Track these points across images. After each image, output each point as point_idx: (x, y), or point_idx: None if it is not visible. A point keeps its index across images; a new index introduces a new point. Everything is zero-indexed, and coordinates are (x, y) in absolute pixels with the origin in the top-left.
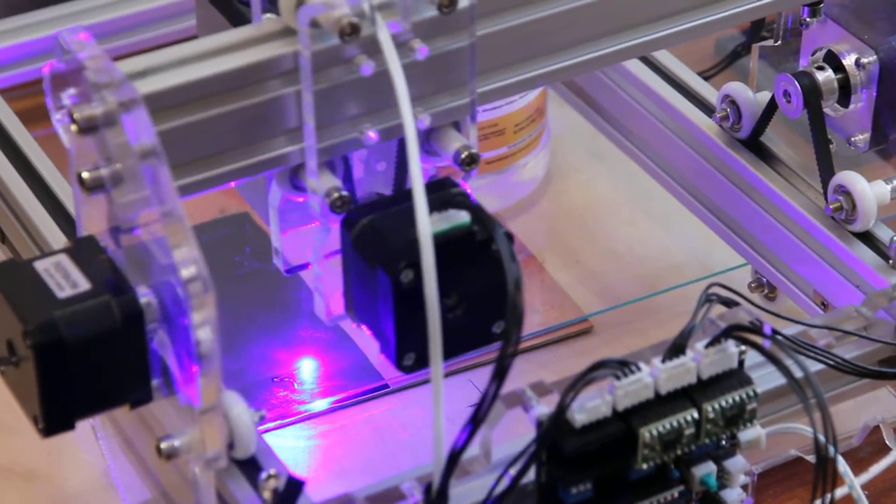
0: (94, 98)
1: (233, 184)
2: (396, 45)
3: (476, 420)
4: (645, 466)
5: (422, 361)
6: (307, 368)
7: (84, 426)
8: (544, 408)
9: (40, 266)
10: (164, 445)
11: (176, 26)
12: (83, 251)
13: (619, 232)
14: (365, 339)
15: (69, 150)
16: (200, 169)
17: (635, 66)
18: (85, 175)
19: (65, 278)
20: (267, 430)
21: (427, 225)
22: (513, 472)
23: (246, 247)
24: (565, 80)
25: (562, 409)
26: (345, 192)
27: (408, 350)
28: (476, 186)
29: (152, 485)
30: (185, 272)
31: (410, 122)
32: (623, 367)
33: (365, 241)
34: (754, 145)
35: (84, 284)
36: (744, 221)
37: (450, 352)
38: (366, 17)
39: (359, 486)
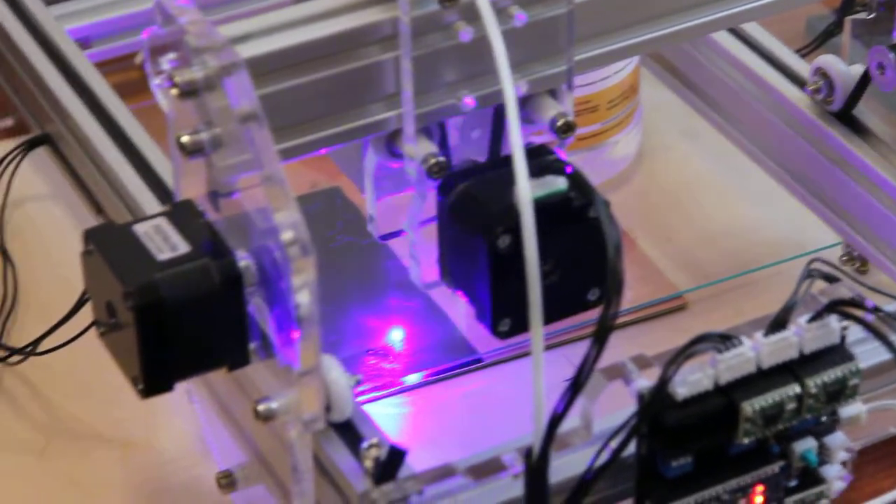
0: (195, 62)
1: (325, 151)
2: (495, 12)
3: (576, 385)
4: (746, 441)
5: (517, 328)
6: (400, 340)
7: (179, 392)
8: (646, 381)
9: (139, 229)
10: (261, 408)
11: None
12: (182, 214)
13: (711, 209)
14: (458, 311)
15: (168, 115)
16: (299, 134)
17: (726, 41)
18: (185, 139)
19: (164, 241)
20: (360, 402)
21: (527, 188)
22: (613, 444)
23: (338, 221)
24: (663, 49)
25: (664, 382)
26: (441, 158)
27: (503, 316)
28: (570, 160)
29: (248, 448)
30: (286, 235)
31: (510, 88)
32: (725, 340)
33: (461, 207)
34: (847, 118)
35: (183, 247)
36: (836, 195)
37: (545, 318)
38: None
39: (454, 459)
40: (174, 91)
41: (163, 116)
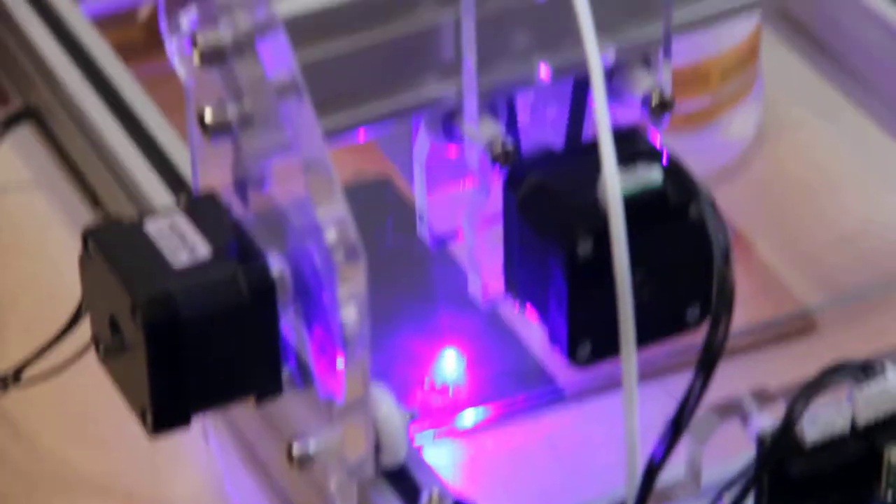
0: (222, 20)
1: (369, 135)
2: None
3: (679, 425)
4: (890, 496)
5: (599, 352)
6: (461, 366)
7: (193, 432)
8: (767, 419)
9: (152, 227)
10: (296, 449)
11: None
12: (203, 210)
13: (847, 206)
14: (531, 330)
15: (187, 85)
16: (342, 109)
17: (878, 3)
18: (207, 114)
19: (181, 242)
20: (416, 443)
21: (616, 182)
22: (727, 499)
23: (387, 218)
24: (785, 12)
25: (790, 422)
26: (510, 143)
27: (583, 338)
28: (670, 145)
29: (277, 499)
30: (330, 235)
31: (595, 56)
32: (865, 370)
33: (533, 204)
34: None
35: (204, 250)
36: None
37: (637, 341)
38: None
39: None
40: (196, 56)
41: (176, 86)
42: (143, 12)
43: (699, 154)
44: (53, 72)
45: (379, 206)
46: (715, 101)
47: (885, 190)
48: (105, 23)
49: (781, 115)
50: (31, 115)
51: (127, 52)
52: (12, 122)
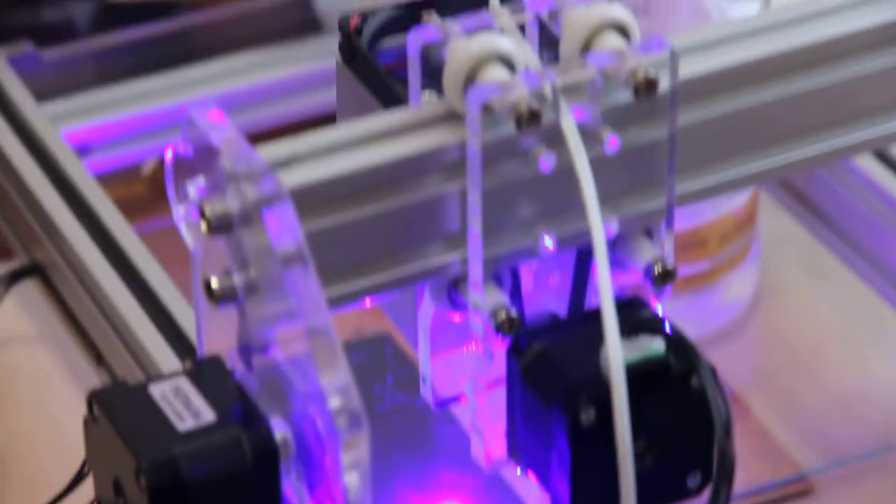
0: (230, 190)
1: (375, 301)
2: (583, 136)
3: None
4: None
5: None
6: None
7: None
8: None
9: (156, 391)
10: None
11: (304, 101)
12: (207, 374)
13: (844, 369)
14: (533, 492)
15: (194, 253)
16: (346, 278)
17: (869, 165)
18: (214, 283)
19: (185, 406)
20: None
21: (619, 354)
22: None
23: (387, 375)
24: (782, 179)
25: None
26: (514, 312)
27: None
28: (670, 308)
29: None
30: (333, 402)
31: (599, 230)
32: None
33: (537, 372)
34: None
35: (208, 414)
36: None
37: None
38: (547, 102)
39: None
40: (203, 224)
41: (177, 241)
42: (147, 167)
43: (697, 316)
44: (58, 228)
45: (379, 363)
46: (713, 265)
47: (879, 353)
48: (109, 178)
49: (778, 277)
50: (35, 270)
51: (131, 207)
52: (17, 277)
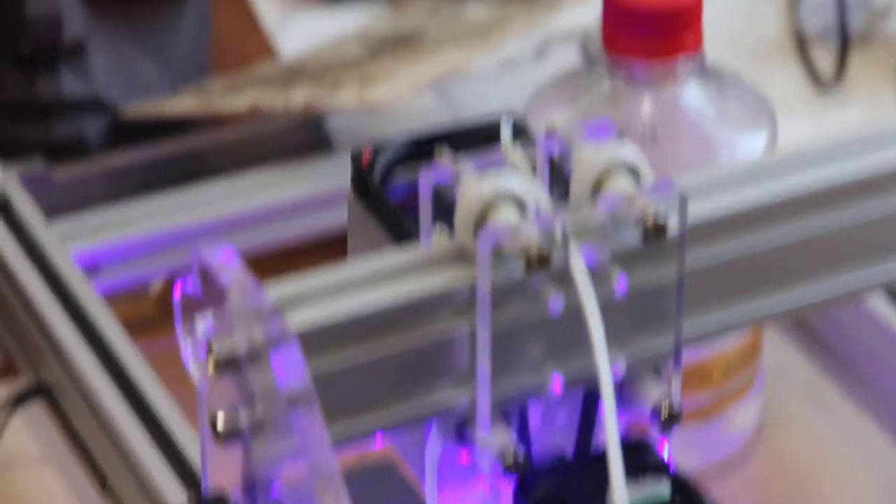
0: (237, 330)
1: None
2: (592, 277)
3: None
4: None
5: None
6: None
7: None
8: None
9: None
10: None
11: (314, 221)
12: None
13: (846, 501)
14: None
15: (200, 389)
16: (354, 415)
17: (876, 304)
18: (220, 421)
19: None
20: None
21: (624, 497)
22: None
23: (390, 502)
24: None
25: None
26: (521, 452)
27: None
28: (673, 440)
29: None
30: None
31: (606, 372)
32: None
33: None
34: None
35: None
36: None
37: None
38: (557, 243)
39: None
40: (210, 363)
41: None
42: (156, 287)
43: (702, 447)
44: (64, 349)
45: (383, 491)
46: (717, 397)
47: (880, 487)
48: (118, 296)
49: (781, 408)
50: (42, 391)
51: (140, 325)
52: (23, 398)
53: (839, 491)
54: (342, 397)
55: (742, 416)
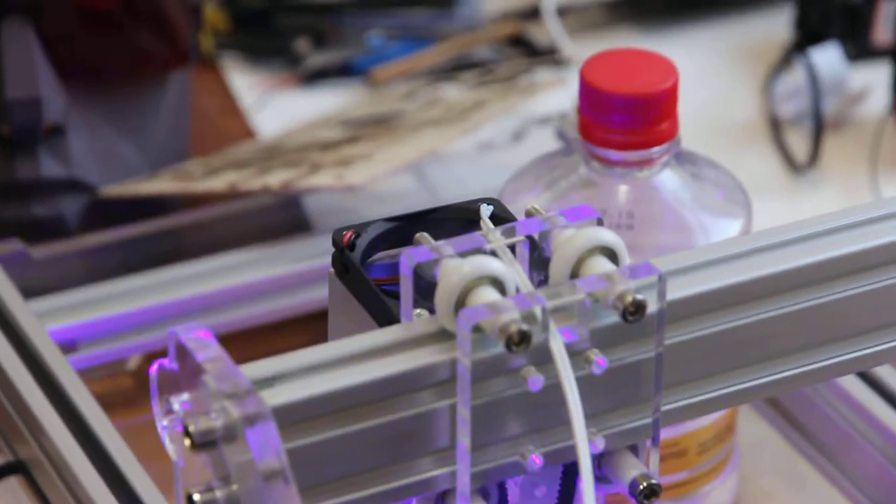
0: (214, 408)
1: None
2: (570, 356)
3: None
4: None
5: None
6: None
7: None
8: None
9: None
10: None
11: (292, 300)
12: None
13: None
14: None
15: (176, 465)
16: (332, 494)
17: (849, 382)
18: (196, 498)
19: None
20: None
21: None
22: None
23: None
24: (767, 398)
25: None
26: None
27: None
28: None
29: None
30: None
31: (585, 449)
32: None
33: None
34: None
35: None
36: None
37: None
38: (537, 323)
39: None
40: (186, 440)
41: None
42: (133, 362)
43: None
44: (40, 426)
45: None
46: (692, 475)
47: None
48: (94, 371)
49: (756, 485)
50: (18, 468)
51: (116, 400)
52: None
53: None
54: (322, 474)
55: (718, 494)
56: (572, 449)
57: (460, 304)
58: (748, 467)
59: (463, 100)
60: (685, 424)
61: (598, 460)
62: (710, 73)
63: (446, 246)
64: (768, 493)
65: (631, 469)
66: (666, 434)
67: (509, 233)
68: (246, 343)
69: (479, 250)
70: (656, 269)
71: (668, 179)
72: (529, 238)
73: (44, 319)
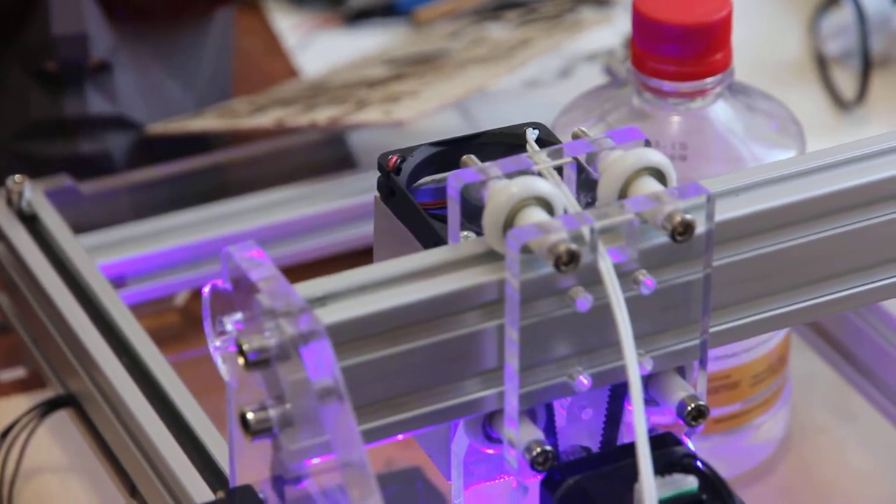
0: (267, 326)
1: (410, 434)
2: (619, 276)
3: None
4: None
5: None
6: None
7: None
8: None
9: None
10: None
11: (338, 236)
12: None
13: None
14: None
15: (229, 385)
16: (383, 413)
17: None
18: (249, 416)
19: None
20: None
21: (652, 489)
22: None
23: None
24: (815, 321)
25: None
26: (549, 447)
27: None
28: (701, 449)
29: None
30: None
31: (634, 367)
32: None
33: None
34: None
35: None
36: None
37: None
38: (585, 244)
39: None
40: (240, 359)
41: (208, 371)
42: (180, 298)
43: (729, 457)
44: (92, 359)
45: (410, 497)
46: (745, 407)
47: None
48: (142, 308)
49: (808, 418)
50: (69, 401)
51: (164, 337)
52: (51, 407)
53: (865, 500)
54: (371, 394)
55: (770, 427)
56: (620, 370)
57: (508, 224)
58: (800, 400)
59: (508, 38)
60: (738, 357)
61: (646, 382)
62: (756, 12)
63: (493, 167)
64: (820, 427)
65: (679, 391)
66: (719, 366)
67: (556, 154)
68: (291, 280)
69: (527, 171)
70: (705, 190)
71: (721, 111)
72: (576, 160)
73: (93, 255)
